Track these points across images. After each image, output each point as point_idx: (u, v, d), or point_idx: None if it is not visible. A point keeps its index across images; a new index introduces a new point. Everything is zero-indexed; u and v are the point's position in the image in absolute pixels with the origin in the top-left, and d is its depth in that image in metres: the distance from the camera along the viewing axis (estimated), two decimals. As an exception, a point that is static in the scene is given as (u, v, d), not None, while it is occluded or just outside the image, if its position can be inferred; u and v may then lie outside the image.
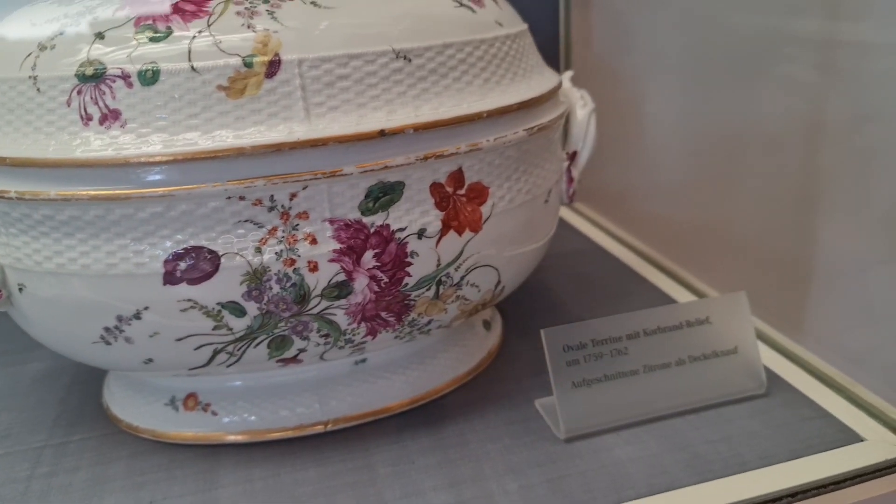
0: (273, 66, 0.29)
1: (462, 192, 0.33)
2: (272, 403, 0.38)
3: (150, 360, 0.33)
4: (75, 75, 0.29)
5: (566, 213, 0.71)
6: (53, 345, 0.35)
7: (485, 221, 0.34)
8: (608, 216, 0.68)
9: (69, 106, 0.29)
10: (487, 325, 0.46)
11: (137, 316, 0.31)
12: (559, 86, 0.39)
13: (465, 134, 0.32)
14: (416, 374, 0.40)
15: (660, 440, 0.36)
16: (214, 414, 0.38)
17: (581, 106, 0.44)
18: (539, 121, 0.36)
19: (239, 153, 0.28)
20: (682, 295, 0.51)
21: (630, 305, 0.50)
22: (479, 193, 0.34)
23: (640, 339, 0.37)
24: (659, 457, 0.35)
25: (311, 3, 0.31)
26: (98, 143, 0.28)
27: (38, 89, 0.29)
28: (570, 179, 0.42)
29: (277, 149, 0.28)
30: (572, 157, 0.44)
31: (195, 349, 0.32)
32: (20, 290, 0.33)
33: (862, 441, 0.35)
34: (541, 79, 0.38)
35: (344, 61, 0.30)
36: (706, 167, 0.53)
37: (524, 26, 0.39)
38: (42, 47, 0.30)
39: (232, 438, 0.37)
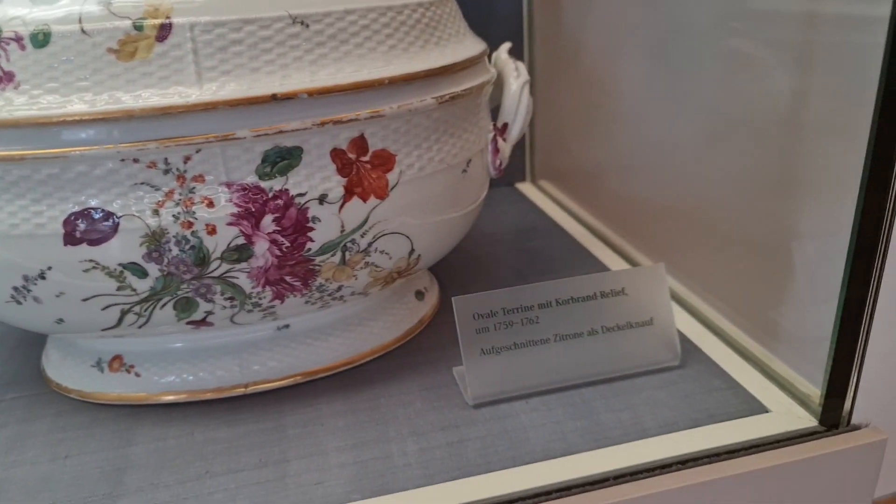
0: (164, 30, 0.29)
1: (366, 158, 0.34)
2: (193, 366, 0.38)
3: (62, 321, 0.34)
4: (-29, 37, 0.29)
5: (528, 190, 0.71)
6: (-26, 304, 0.36)
7: (391, 189, 0.35)
8: (571, 194, 0.68)
9: (-32, 69, 0.30)
10: (420, 295, 0.46)
11: (42, 276, 0.32)
12: (480, 55, 0.39)
13: (365, 100, 0.32)
14: (339, 342, 0.41)
15: (566, 408, 0.36)
16: (138, 375, 0.39)
17: (514, 77, 0.44)
18: (452, 89, 0.36)
19: (129, 116, 0.29)
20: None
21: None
22: (384, 160, 0.34)
23: (552, 308, 0.38)
24: (561, 424, 0.35)
25: (209, -33, 0.31)
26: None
27: (-61, 52, 0.30)
28: (496, 150, 0.42)
29: (166, 112, 0.29)
30: (503, 129, 0.44)
31: (102, 309, 0.33)
32: (-65, 249, 0.34)
33: (767, 412, 0.35)
34: (459, 47, 0.38)
35: (237, 26, 0.30)
36: (672, 148, 0.52)
37: (443, -6, 0.39)
38: (-56, 10, 0.30)
39: (152, 399, 0.38)
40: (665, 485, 0.31)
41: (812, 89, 0.35)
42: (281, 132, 0.31)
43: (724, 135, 0.43)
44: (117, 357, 0.39)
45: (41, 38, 0.29)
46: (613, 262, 0.53)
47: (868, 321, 0.33)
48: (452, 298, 0.37)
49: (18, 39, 0.29)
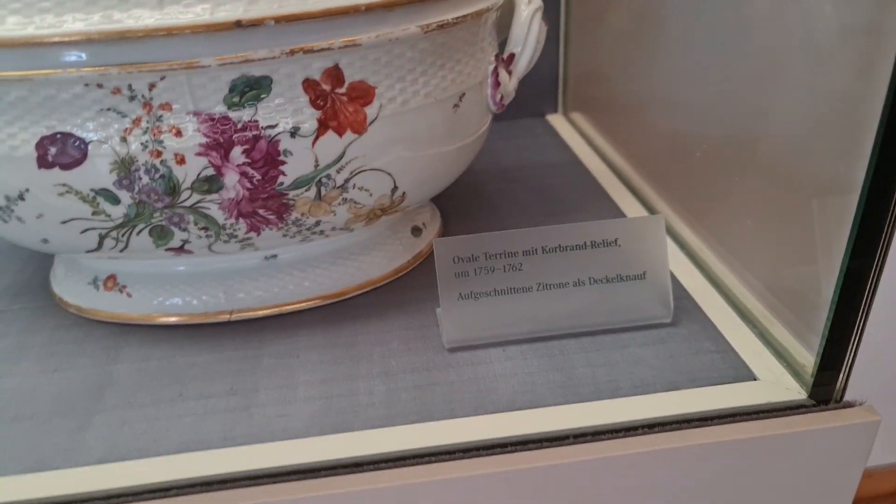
0: (126, -53, 0.28)
1: (342, 90, 0.32)
2: (181, 290, 0.39)
3: (46, 241, 0.35)
4: (-60, -48, 0.29)
5: (557, 122, 0.68)
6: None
7: (370, 123, 0.33)
8: (602, 129, 0.64)
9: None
10: (418, 231, 0.45)
11: (21, 197, 0.32)
12: (479, -21, 0.36)
13: (340, 28, 0.31)
14: (325, 275, 0.40)
15: (542, 359, 0.35)
16: (129, 296, 0.40)
17: (526, 3, 0.41)
18: (442, 17, 0.34)
19: (87, 39, 0.28)
20: (636, 213, 0.49)
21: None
22: (362, 93, 0.33)
23: (536, 256, 0.36)
24: (533, 375, 0.34)
25: None
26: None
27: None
28: (497, 84, 0.39)
29: (124, 36, 0.28)
30: (509, 59, 0.41)
31: (81, 233, 0.34)
32: (-72, 165, 0.34)
33: (754, 381, 0.33)
34: (455, -29, 0.35)
35: (202, -58, 0.29)
36: (710, 86, 0.47)
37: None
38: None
39: (141, 319, 0.39)
40: (629, 448, 0.30)
41: (866, 25, 0.31)
42: (247, 61, 0.30)
43: (766, 75, 0.39)
44: (111, 276, 0.40)
45: (3, -46, 0.28)
46: (630, 207, 0.50)
47: (871, 293, 0.30)
48: (434, 240, 0.36)
49: (-19, -46, 0.28)
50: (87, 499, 0.29)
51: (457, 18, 0.34)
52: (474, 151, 0.42)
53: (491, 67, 0.39)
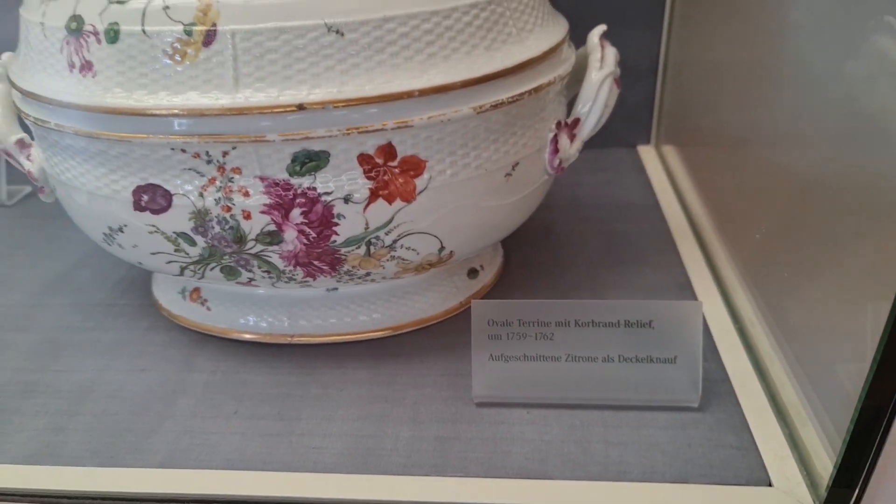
0: (209, 36, 0.32)
1: (394, 164, 0.35)
2: (252, 311, 0.44)
3: (140, 263, 0.41)
4: (65, 27, 0.34)
5: (647, 155, 0.67)
6: (87, 234, 0.44)
7: (419, 193, 0.35)
8: (690, 166, 0.62)
9: (62, 54, 0.34)
10: (475, 273, 0.47)
11: (121, 230, 0.38)
12: (542, 56, 0.37)
13: (394, 111, 0.33)
14: (379, 311, 0.44)
15: (562, 429, 0.37)
16: (209, 309, 0.45)
17: (597, 68, 0.41)
18: (496, 97, 0.35)
19: (174, 114, 0.32)
20: (701, 282, 0.48)
21: (634, 279, 0.48)
22: (413, 166, 0.35)
23: (569, 328, 0.37)
24: (548, 444, 0.36)
25: (260, -31, 0.32)
26: (77, 89, 0.34)
27: (45, 35, 0.35)
28: (556, 150, 0.40)
29: (204, 114, 0.32)
30: (573, 124, 0.42)
31: (166, 263, 0.39)
32: (54, 189, 0.41)
33: (767, 487, 0.33)
34: (517, 48, 0.36)
35: (274, 35, 0.32)
36: (812, 135, 0.43)
37: (514, -12, 0.37)
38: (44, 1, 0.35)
39: (216, 331, 0.44)
40: (622, 534, 0.32)
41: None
42: (308, 138, 0.33)
43: (871, 134, 0.36)
44: (196, 289, 0.45)
45: (112, 36, 0.33)
46: (694, 265, 0.50)
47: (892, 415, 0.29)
48: (472, 301, 0.38)
49: (96, 34, 0.33)
50: (145, 499, 0.34)
51: (512, 98, 0.36)
52: (530, 209, 0.43)
53: (551, 135, 0.40)
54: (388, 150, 0.34)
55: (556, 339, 0.37)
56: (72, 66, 0.34)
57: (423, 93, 0.33)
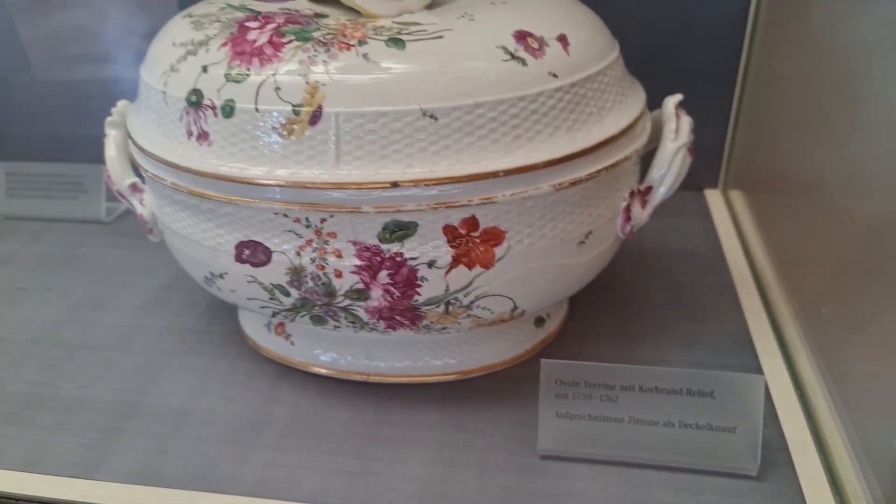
0: (315, 116, 0.35)
1: (476, 234, 0.37)
2: (333, 348, 0.47)
3: (237, 304, 0.44)
4: (185, 99, 0.37)
5: (714, 200, 0.67)
6: (189, 274, 0.47)
7: (498, 260, 0.38)
8: (758, 214, 0.63)
9: (181, 121, 0.38)
10: (541, 321, 0.49)
11: (221, 276, 0.41)
12: (620, 134, 0.39)
13: (479, 189, 0.35)
14: (451, 356, 0.46)
15: (622, 486, 0.39)
16: (292, 343, 0.48)
17: (672, 139, 0.43)
18: (574, 175, 0.37)
19: (279, 185, 0.35)
20: (763, 341, 0.49)
21: (696, 334, 0.50)
22: (494, 237, 0.37)
23: (633, 392, 0.39)
24: (609, 501, 0.38)
25: (363, 55, 0.35)
26: (193, 155, 0.38)
27: (166, 103, 0.39)
28: (628, 218, 0.42)
29: (305, 186, 0.35)
30: (645, 191, 0.43)
31: (261, 307, 0.42)
32: (162, 232, 0.45)
33: (819, 562, 0.35)
34: (597, 128, 0.38)
35: (374, 117, 0.34)
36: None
37: (596, 68, 0.39)
38: (173, 68, 0.39)
39: (298, 365, 0.48)
40: None
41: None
42: (399, 210, 0.35)
43: None
44: (281, 324, 0.49)
45: (228, 111, 0.36)
46: (756, 321, 0.51)
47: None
48: (542, 360, 0.40)
49: (213, 108, 0.37)
50: (237, 527, 0.38)
51: (590, 175, 0.38)
52: (600, 269, 0.45)
53: (624, 204, 0.42)
54: (472, 222, 0.37)
55: (620, 402, 0.39)
56: (190, 133, 0.38)
57: (507, 173, 0.35)
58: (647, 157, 0.44)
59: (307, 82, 0.35)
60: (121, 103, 0.47)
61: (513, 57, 0.36)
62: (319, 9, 0.41)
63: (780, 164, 0.60)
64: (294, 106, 0.35)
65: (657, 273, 0.57)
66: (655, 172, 0.43)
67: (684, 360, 0.48)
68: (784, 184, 0.61)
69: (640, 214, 0.43)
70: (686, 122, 0.43)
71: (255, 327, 0.51)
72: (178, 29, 0.41)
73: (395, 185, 0.35)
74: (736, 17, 0.62)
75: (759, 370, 0.47)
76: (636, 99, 0.42)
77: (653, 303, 0.53)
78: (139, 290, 0.58)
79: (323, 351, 0.47)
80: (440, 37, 0.36)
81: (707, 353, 0.48)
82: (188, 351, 0.51)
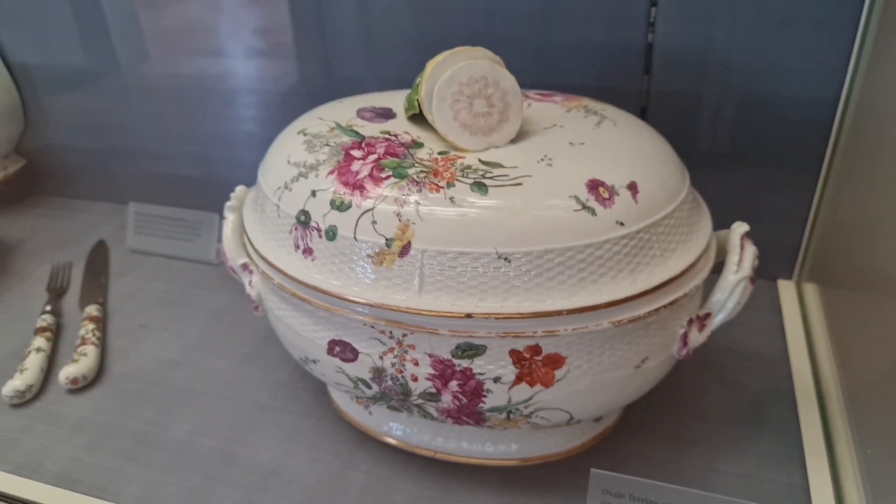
0: (405, 250, 0.40)
1: (539, 358, 0.41)
2: (406, 422, 0.52)
3: (326, 384, 0.50)
4: (295, 217, 0.43)
5: (787, 293, 0.68)
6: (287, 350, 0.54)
7: (557, 381, 0.42)
8: (832, 313, 0.63)
9: (290, 234, 0.44)
10: (599, 417, 0.53)
11: (314, 361, 0.47)
12: (681, 274, 0.42)
13: (544, 323, 0.40)
14: (512, 444, 0.51)
15: None
16: (370, 413, 0.54)
17: (733, 271, 0.45)
18: (633, 313, 0.41)
19: (368, 304, 0.41)
20: (816, 463, 0.50)
21: (748, 445, 0.52)
22: (555, 361, 0.41)
23: (674, 512, 0.42)
24: None
25: (450, 199, 0.40)
26: (299, 266, 0.43)
27: (279, 215, 0.45)
28: (685, 343, 0.45)
29: (393, 309, 0.40)
30: (704, 317, 0.46)
31: (346, 391, 0.48)
32: (266, 313, 0.51)
33: None
34: (658, 270, 0.41)
35: (455, 256, 0.39)
36: None
37: (663, 213, 0.42)
38: (286, 186, 0.45)
39: (373, 434, 0.54)
40: None
41: None
42: (471, 336, 0.40)
43: None
44: (362, 394, 0.55)
45: (331, 235, 0.42)
46: (811, 438, 0.52)
47: None
48: (591, 470, 0.44)
49: (318, 230, 0.42)
50: (312, 587, 0.44)
51: (649, 312, 0.41)
52: (655, 383, 0.48)
53: (682, 331, 0.45)
54: (535, 349, 0.41)
55: (662, 519, 0.43)
56: (297, 246, 0.44)
57: (570, 312, 0.39)
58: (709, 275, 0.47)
59: (400, 220, 0.40)
60: (239, 189, 0.54)
61: (583, 207, 0.40)
62: (416, 132, 0.46)
63: (855, 260, 0.60)
64: (387, 239, 0.40)
65: (718, 372, 0.59)
66: (716, 297, 0.46)
67: (732, 471, 0.50)
68: (859, 283, 0.61)
69: (698, 338, 0.46)
70: (750, 253, 0.46)
71: (339, 393, 0.57)
72: (293, 147, 0.47)
73: (468, 315, 0.39)
74: (826, 106, 0.61)
75: (807, 488, 0.48)
76: (701, 234, 0.45)
77: (710, 404, 0.56)
78: (241, 337, 0.66)
79: (396, 424, 0.53)
80: (519, 184, 0.40)
81: (757, 464, 0.50)
82: (280, 407, 0.58)
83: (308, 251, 0.43)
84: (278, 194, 0.45)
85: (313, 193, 0.43)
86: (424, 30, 0.67)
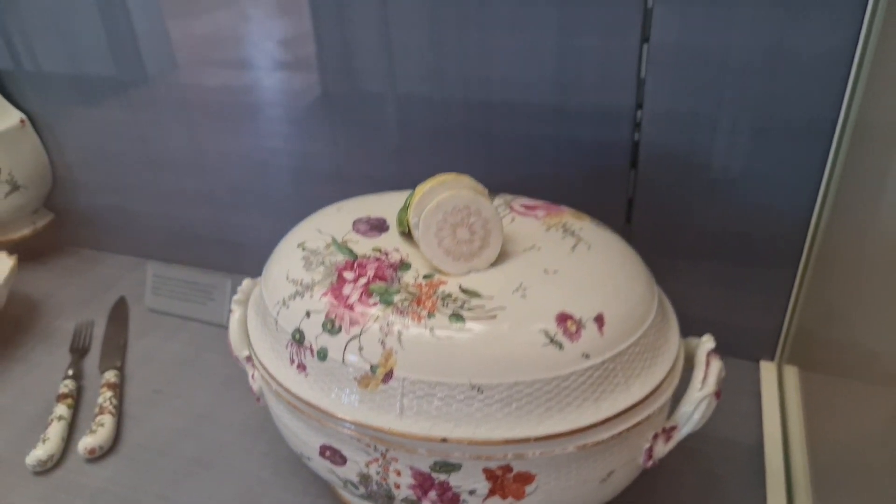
0: (388, 377, 0.44)
1: (510, 475, 0.45)
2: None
3: (321, 479, 0.54)
4: (291, 334, 0.47)
5: (767, 375, 0.70)
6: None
7: (528, 495, 0.45)
8: (810, 399, 0.66)
9: (287, 349, 0.48)
10: (575, 506, 0.56)
11: (308, 458, 0.51)
12: (644, 399, 0.45)
13: (514, 448, 0.43)
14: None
15: None
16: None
17: (698, 388, 0.48)
18: (598, 437, 0.44)
19: (352, 422, 0.45)
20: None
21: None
22: (525, 478, 0.45)
23: None
24: None
25: (430, 329, 0.43)
26: (293, 380, 0.47)
27: (277, 329, 0.49)
28: (650, 455, 0.48)
29: (375, 430, 0.44)
30: (669, 430, 0.49)
31: (337, 487, 0.52)
32: (267, 407, 0.55)
33: None
34: (623, 396, 0.44)
35: (433, 385, 0.43)
36: None
37: (628, 342, 0.45)
38: (284, 303, 0.49)
39: (366, 518, 0.57)
40: None
41: None
42: (447, 456, 0.44)
43: None
44: (356, 477, 0.59)
45: (322, 355, 0.46)
46: (778, 534, 0.55)
47: None
48: (559, 573, 0.47)
49: (311, 349, 0.46)
50: None
51: (612, 436, 0.44)
52: (622, 488, 0.51)
53: (647, 446, 0.48)
54: (506, 468, 0.44)
55: None
56: (292, 361, 0.48)
57: (538, 440, 0.43)
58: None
59: (384, 347, 0.44)
60: (246, 283, 0.58)
61: (551, 341, 0.43)
62: (405, 249, 0.50)
63: (832, 345, 0.62)
64: (372, 366, 0.44)
65: (692, 459, 0.62)
66: (682, 410, 0.49)
67: (699, 568, 0.53)
68: (835, 367, 0.63)
69: (663, 449, 0.49)
70: (715, 369, 0.49)
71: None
72: (293, 262, 0.51)
73: (444, 440, 0.43)
74: (804, 203, 0.63)
75: (769, 588, 0.51)
76: (666, 355, 0.48)
77: (683, 495, 0.59)
78: (248, 408, 0.70)
79: (386, 509, 0.57)
80: (494, 316, 0.44)
81: (723, 561, 0.53)
82: (281, 484, 0.61)
83: (302, 367, 0.47)
84: (277, 309, 0.49)
85: (308, 314, 0.47)
86: (443, 62, 0.69)
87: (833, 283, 0.64)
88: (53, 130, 0.90)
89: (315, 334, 0.46)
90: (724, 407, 0.66)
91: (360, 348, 0.44)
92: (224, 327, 0.82)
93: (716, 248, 0.68)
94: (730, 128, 0.61)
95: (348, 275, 0.48)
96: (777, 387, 0.69)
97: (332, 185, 0.80)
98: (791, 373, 0.70)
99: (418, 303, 0.45)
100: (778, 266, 0.68)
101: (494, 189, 0.66)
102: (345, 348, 0.45)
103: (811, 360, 0.67)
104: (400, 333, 0.44)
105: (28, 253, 0.96)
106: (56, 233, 0.99)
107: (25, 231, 0.94)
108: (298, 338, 0.47)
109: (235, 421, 0.69)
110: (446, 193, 0.47)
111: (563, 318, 0.44)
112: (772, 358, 0.73)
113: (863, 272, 0.57)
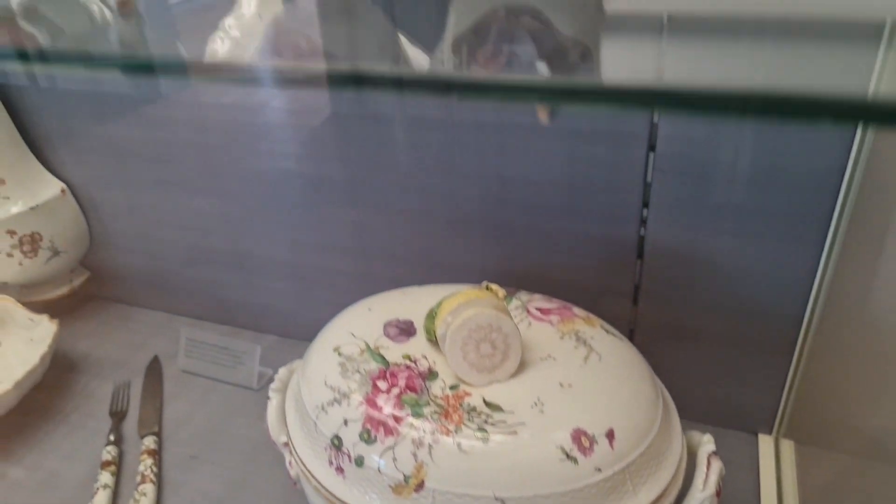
0: (419, 487, 0.49)
1: (528, 572, 0.50)
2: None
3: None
4: (330, 439, 0.52)
5: (765, 448, 0.75)
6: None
7: (543, 588, 0.50)
8: (805, 477, 0.70)
9: (325, 451, 0.53)
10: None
11: None
12: (650, 504, 0.50)
13: (532, 551, 0.48)
14: None
15: None
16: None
17: (700, 489, 0.53)
18: None
19: (390, 525, 0.50)
20: None
21: None
22: (542, 575, 0.50)
23: None
24: None
25: (458, 444, 0.48)
26: (331, 479, 0.52)
27: (317, 431, 0.54)
28: (653, 550, 0.53)
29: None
30: (671, 524, 0.54)
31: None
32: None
33: None
34: (630, 501, 0.49)
35: (461, 495, 0.48)
36: None
37: (637, 453, 0.50)
38: (323, 408, 0.54)
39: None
40: None
41: None
42: (472, 556, 0.49)
43: None
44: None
45: (359, 462, 0.51)
46: None
47: None
48: None
49: (349, 455, 0.51)
50: None
51: (621, 540, 0.49)
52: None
53: (652, 542, 0.53)
54: (525, 567, 0.49)
55: None
56: (330, 462, 0.53)
57: (554, 545, 0.48)
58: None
59: (416, 459, 0.49)
60: (282, 371, 0.63)
61: (567, 457, 0.48)
62: (432, 356, 0.55)
63: (827, 423, 0.66)
64: (405, 476, 0.49)
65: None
66: (685, 507, 0.54)
67: None
68: (830, 443, 0.68)
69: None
70: (716, 470, 0.54)
71: None
72: (329, 367, 0.56)
73: (468, 544, 0.48)
74: (800, 296, 0.68)
75: None
76: (670, 458, 0.53)
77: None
78: (280, 476, 0.75)
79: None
80: (515, 432, 0.49)
81: None
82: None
83: (339, 470, 0.52)
84: (316, 413, 0.54)
85: (345, 422, 0.52)
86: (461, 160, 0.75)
87: (828, 364, 0.68)
88: (90, 193, 0.95)
89: (353, 442, 0.51)
90: (725, 480, 0.71)
91: (395, 459, 0.49)
92: (255, 390, 0.87)
93: (716, 331, 0.73)
94: (730, 229, 0.66)
95: (382, 384, 0.53)
96: (774, 461, 0.74)
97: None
98: (787, 447, 0.74)
99: (446, 416, 0.50)
100: (775, 352, 0.73)
101: (511, 275, 0.72)
102: (380, 457, 0.50)
103: (806, 436, 0.71)
104: (431, 447, 0.49)
105: (64, 308, 1.02)
106: (92, 290, 1.05)
107: (63, 290, 1.00)
108: (337, 444, 0.52)
109: (269, 491, 0.73)
110: (471, 311, 0.52)
111: (577, 435, 0.49)
112: (769, 431, 0.77)
113: (856, 356, 0.62)
